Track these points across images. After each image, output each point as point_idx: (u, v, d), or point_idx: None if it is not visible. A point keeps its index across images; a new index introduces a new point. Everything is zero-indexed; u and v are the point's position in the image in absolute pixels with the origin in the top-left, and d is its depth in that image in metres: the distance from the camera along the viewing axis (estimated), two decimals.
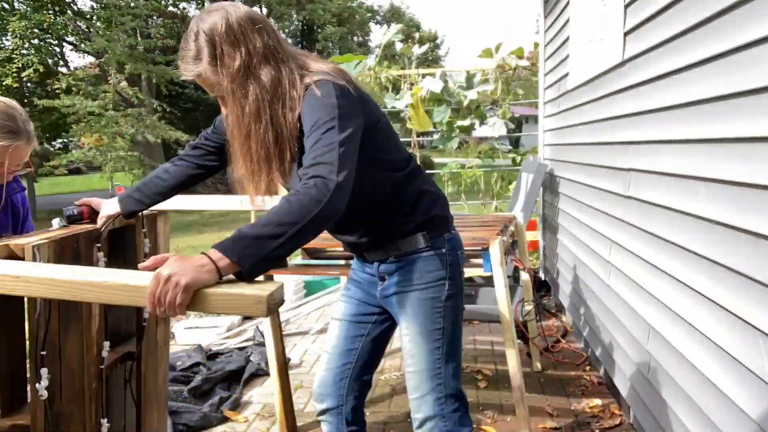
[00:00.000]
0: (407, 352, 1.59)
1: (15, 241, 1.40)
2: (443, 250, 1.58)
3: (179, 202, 2.05)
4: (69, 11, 15.38)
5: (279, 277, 4.27)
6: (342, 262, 3.21)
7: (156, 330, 1.92)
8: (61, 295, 1.18)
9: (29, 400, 1.46)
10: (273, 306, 1.09)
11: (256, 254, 1.14)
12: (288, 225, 1.17)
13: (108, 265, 1.78)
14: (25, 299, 1.40)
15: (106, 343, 1.63)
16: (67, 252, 1.48)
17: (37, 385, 1.38)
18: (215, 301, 1.10)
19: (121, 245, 1.82)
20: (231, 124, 1.40)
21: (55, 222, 1.66)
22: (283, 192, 1.46)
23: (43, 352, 1.38)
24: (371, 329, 1.71)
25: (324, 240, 2.74)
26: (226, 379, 3.17)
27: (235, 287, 1.11)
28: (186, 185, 1.74)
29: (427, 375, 1.56)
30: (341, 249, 3.21)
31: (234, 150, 1.43)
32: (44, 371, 1.38)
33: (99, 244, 1.61)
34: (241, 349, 3.63)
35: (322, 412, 1.74)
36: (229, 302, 1.10)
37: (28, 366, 1.52)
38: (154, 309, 1.10)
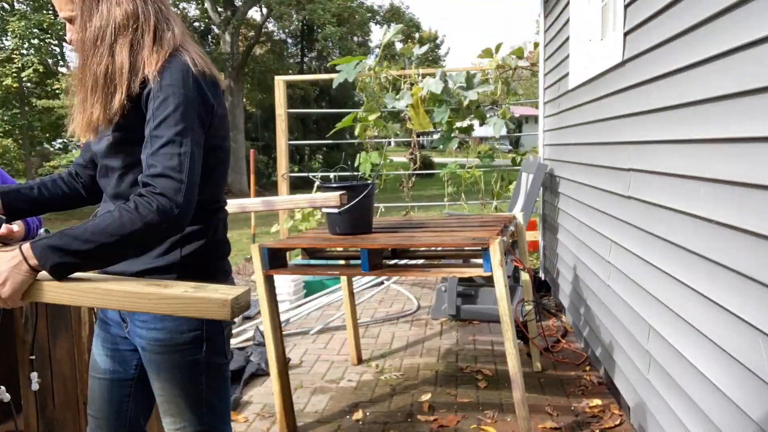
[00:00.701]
0: (164, 411, 1.41)
1: None
2: None
3: None
4: None
5: (279, 277, 4.28)
6: (342, 262, 3.21)
7: None
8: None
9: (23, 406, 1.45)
10: (238, 309, 1.08)
11: (61, 261, 1.12)
12: (109, 245, 1.13)
13: None
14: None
15: None
16: None
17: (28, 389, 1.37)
18: (178, 305, 1.09)
19: None
20: (73, 46, 1.29)
21: (41, 231, 1.61)
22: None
23: (32, 357, 1.37)
24: (136, 386, 1.47)
25: (324, 240, 2.74)
26: None
27: (200, 291, 1.09)
28: (64, 206, 1.52)
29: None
30: (341, 249, 3.21)
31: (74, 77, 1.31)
32: (34, 375, 1.37)
33: None
34: (241, 349, 3.62)
35: None
36: (193, 305, 1.09)
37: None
38: None
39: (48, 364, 1.43)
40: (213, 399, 1.41)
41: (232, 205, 1.94)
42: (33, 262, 1.12)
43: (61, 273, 1.14)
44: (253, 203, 1.92)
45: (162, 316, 1.30)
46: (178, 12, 19.38)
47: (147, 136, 1.21)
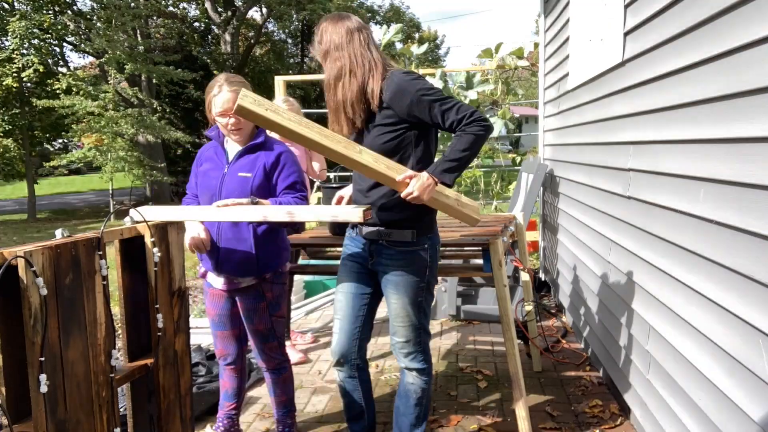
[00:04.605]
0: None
1: (9, 249, 1.37)
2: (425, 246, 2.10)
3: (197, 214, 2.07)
4: (69, 11, 15.36)
5: None
6: None
7: (174, 340, 1.91)
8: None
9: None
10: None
11: (448, 175, 1.90)
12: (463, 152, 1.88)
13: (122, 273, 1.80)
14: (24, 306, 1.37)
15: (115, 351, 1.61)
16: (65, 259, 1.45)
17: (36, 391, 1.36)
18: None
19: (135, 254, 1.82)
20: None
21: (58, 232, 1.61)
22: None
23: (42, 359, 1.36)
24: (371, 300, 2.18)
25: (324, 240, 2.74)
26: None
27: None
28: None
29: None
30: (341, 249, 3.20)
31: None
32: (43, 377, 1.36)
33: (101, 252, 1.58)
34: None
35: (340, 363, 2.15)
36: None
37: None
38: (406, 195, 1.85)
39: (60, 366, 1.42)
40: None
41: (255, 213, 1.94)
42: (436, 179, 1.88)
43: (449, 181, 1.91)
44: (276, 213, 1.93)
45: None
46: (178, 12, 19.42)
47: (439, 113, 1.91)
